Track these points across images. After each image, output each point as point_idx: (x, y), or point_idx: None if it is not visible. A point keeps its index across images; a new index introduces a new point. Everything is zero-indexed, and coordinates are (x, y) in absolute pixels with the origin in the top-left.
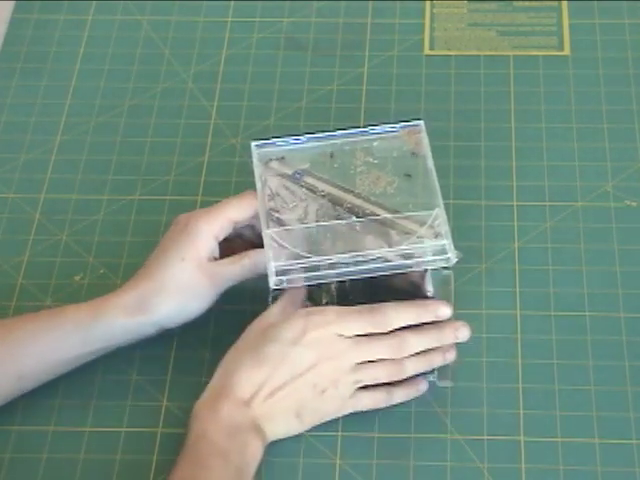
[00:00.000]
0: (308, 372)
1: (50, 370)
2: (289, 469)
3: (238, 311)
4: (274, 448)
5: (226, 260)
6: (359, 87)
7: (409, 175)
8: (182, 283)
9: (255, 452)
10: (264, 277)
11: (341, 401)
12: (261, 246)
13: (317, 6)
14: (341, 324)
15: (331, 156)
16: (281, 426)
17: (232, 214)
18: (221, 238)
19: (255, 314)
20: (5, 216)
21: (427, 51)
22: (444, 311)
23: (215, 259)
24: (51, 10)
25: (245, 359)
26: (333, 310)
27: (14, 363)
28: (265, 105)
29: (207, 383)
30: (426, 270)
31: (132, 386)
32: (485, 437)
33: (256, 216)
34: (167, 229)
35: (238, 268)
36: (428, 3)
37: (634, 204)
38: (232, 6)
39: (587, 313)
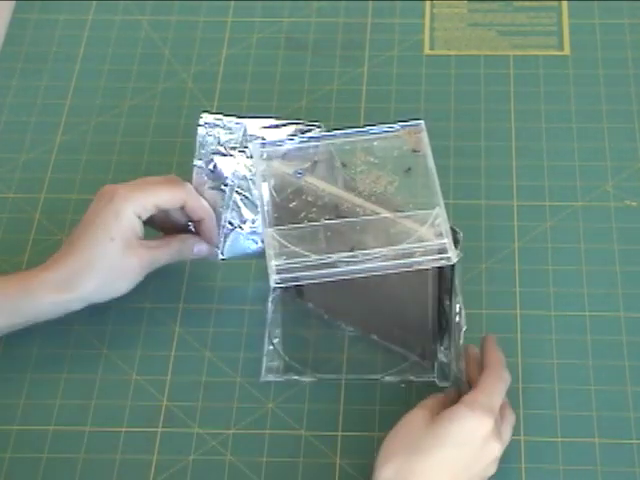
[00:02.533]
0: (478, 476)
1: None
2: (289, 469)
3: (238, 311)
4: (274, 448)
5: (153, 243)
6: (359, 87)
7: (409, 169)
8: (111, 262)
9: None
10: (264, 277)
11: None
12: (186, 230)
13: (317, 6)
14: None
15: (343, 165)
16: None
17: (158, 201)
18: (144, 218)
19: (255, 314)
20: (5, 216)
21: (427, 51)
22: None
23: (140, 237)
24: (51, 10)
25: (422, 471)
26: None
27: None
28: (265, 105)
29: (207, 383)
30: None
31: (132, 386)
32: None
33: (182, 208)
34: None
35: (165, 253)
36: (428, 3)
37: (634, 204)
38: (232, 6)
39: (587, 313)
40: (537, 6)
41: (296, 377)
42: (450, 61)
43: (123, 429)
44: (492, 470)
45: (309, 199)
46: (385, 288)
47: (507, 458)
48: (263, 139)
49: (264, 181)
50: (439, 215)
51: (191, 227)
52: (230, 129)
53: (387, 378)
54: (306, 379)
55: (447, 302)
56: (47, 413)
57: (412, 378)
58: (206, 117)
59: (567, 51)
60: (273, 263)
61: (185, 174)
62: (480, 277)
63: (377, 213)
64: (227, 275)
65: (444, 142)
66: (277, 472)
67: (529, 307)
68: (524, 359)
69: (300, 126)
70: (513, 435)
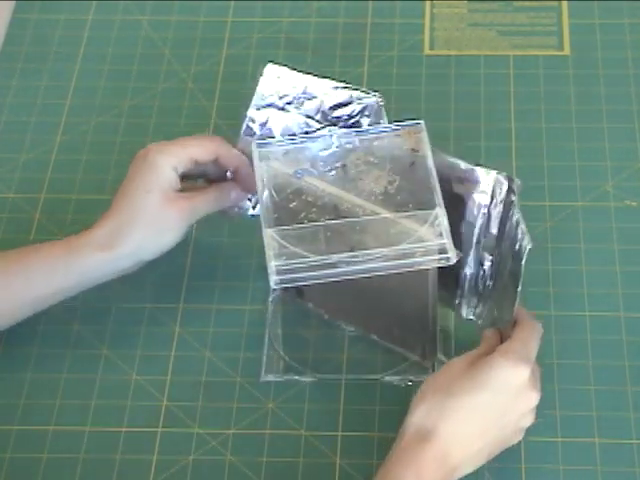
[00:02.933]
0: (513, 424)
1: (33, 305)
2: (289, 469)
3: (238, 311)
4: (274, 448)
5: (191, 193)
6: (359, 87)
7: (414, 163)
8: (150, 214)
9: None
10: (264, 277)
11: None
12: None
13: (317, 6)
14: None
15: (343, 166)
16: (476, 465)
17: (191, 153)
18: (180, 171)
19: (255, 314)
20: (5, 216)
21: (427, 51)
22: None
23: (177, 190)
24: (51, 10)
25: (455, 412)
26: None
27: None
28: None
29: (207, 383)
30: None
31: (132, 386)
32: None
33: (216, 160)
34: None
35: (203, 202)
36: (428, 3)
37: (634, 204)
38: (232, 6)
39: (587, 313)
40: (537, 6)
41: (296, 377)
42: (450, 61)
43: (123, 429)
44: (529, 421)
45: (309, 199)
46: (385, 288)
47: (507, 458)
48: (320, 101)
49: (264, 181)
50: (439, 215)
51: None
52: (291, 84)
53: (387, 378)
54: (306, 379)
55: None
56: (47, 413)
57: (412, 378)
58: (270, 68)
59: (567, 51)
60: (273, 263)
61: None
62: None
63: (377, 213)
64: (227, 275)
65: (444, 142)
66: (277, 472)
67: (529, 307)
68: None
69: (357, 92)
70: None
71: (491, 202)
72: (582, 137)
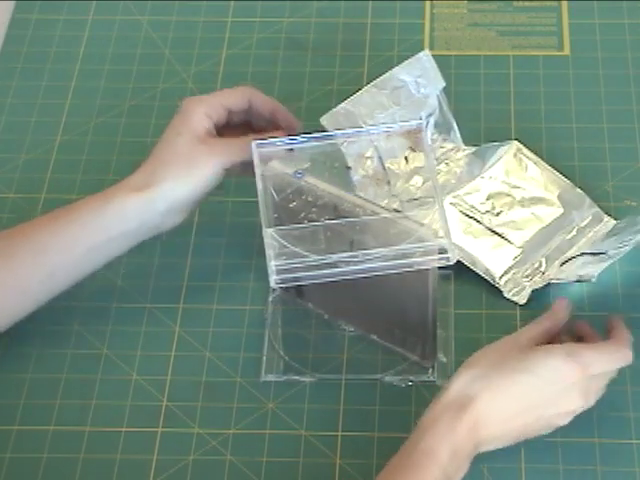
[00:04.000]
0: (549, 418)
1: (78, 264)
2: (289, 469)
3: (238, 311)
4: (274, 448)
5: (229, 138)
6: (359, 87)
7: (413, 150)
8: (180, 154)
9: (463, 474)
10: (264, 277)
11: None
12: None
13: (317, 6)
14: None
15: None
16: (497, 446)
17: (224, 99)
18: (215, 118)
19: (255, 314)
20: (5, 216)
21: (427, 51)
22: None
23: (212, 135)
24: (51, 10)
25: (498, 386)
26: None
27: (42, 263)
28: None
29: (207, 383)
30: None
31: (132, 386)
32: None
33: (250, 108)
34: None
35: (239, 146)
36: (428, 3)
37: (634, 204)
38: (232, 6)
39: (587, 313)
40: (537, 6)
41: (296, 377)
42: (450, 61)
43: (123, 429)
44: (563, 421)
45: (309, 199)
46: (385, 288)
47: (507, 458)
48: None
49: (264, 181)
50: (439, 215)
51: None
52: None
53: (387, 378)
54: (306, 379)
55: None
56: (47, 413)
57: (412, 378)
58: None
59: (567, 51)
60: (273, 263)
61: None
62: (480, 277)
63: (377, 213)
64: (227, 275)
65: None
66: (277, 472)
67: (529, 307)
68: None
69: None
70: None
71: None
72: (582, 137)
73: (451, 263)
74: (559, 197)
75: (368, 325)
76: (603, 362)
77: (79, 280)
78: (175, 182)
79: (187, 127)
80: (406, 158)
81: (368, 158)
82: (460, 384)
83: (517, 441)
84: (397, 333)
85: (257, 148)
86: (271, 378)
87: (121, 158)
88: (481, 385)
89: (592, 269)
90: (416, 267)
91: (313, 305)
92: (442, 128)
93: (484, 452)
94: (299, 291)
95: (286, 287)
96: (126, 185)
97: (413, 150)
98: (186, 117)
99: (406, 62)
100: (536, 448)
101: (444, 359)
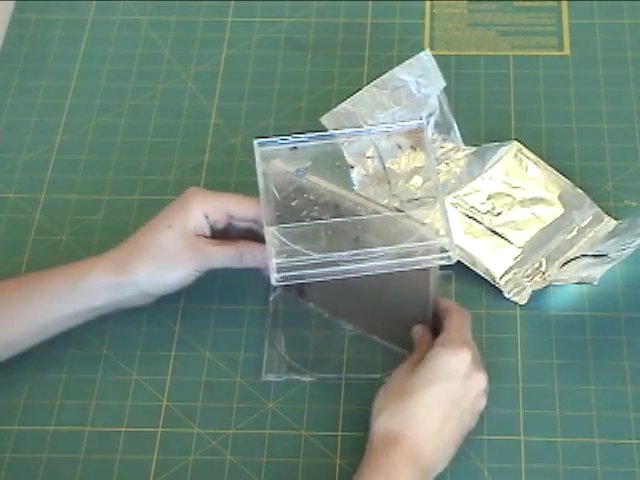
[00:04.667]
0: (469, 409)
1: (43, 330)
2: (289, 469)
3: (238, 311)
4: (274, 448)
5: (214, 241)
6: (359, 87)
7: (414, 148)
8: (163, 247)
9: None
10: (265, 276)
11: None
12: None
13: (317, 6)
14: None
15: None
16: (444, 460)
17: (229, 205)
18: (212, 219)
19: (255, 314)
20: (5, 216)
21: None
22: None
23: (202, 235)
24: (51, 10)
25: (413, 409)
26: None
27: (8, 331)
28: (265, 105)
29: (207, 383)
30: None
31: (132, 386)
32: (485, 437)
33: (256, 220)
34: None
35: (222, 253)
36: (428, 3)
37: (634, 204)
38: (232, 6)
39: (587, 313)
40: (537, 6)
41: (296, 377)
42: (450, 61)
43: (123, 429)
44: (482, 403)
45: (311, 197)
46: (386, 287)
47: (507, 458)
48: None
49: (265, 179)
50: (440, 214)
51: None
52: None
53: (387, 378)
54: (306, 379)
55: None
56: (47, 413)
57: None
58: None
59: (567, 51)
60: (274, 261)
61: (185, 174)
62: (480, 277)
63: (378, 212)
64: (227, 275)
65: None
66: (277, 472)
67: (529, 307)
68: (524, 359)
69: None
70: (513, 435)
71: None
72: (582, 137)
73: (452, 262)
74: (559, 197)
75: (368, 325)
76: (466, 330)
77: (43, 341)
78: (149, 275)
79: (180, 222)
80: (406, 158)
81: (369, 158)
82: (382, 424)
83: (459, 444)
84: (397, 333)
85: (259, 147)
86: (271, 378)
87: (121, 158)
88: (399, 417)
89: (594, 271)
90: (417, 266)
91: (314, 304)
92: (442, 128)
93: (483, 452)
94: (300, 290)
95: (287, 286)
96: (101, 264)
97: (414, 149)
98: (183, 211)
99: (407, 62)
100: (536, 448)
101: None
